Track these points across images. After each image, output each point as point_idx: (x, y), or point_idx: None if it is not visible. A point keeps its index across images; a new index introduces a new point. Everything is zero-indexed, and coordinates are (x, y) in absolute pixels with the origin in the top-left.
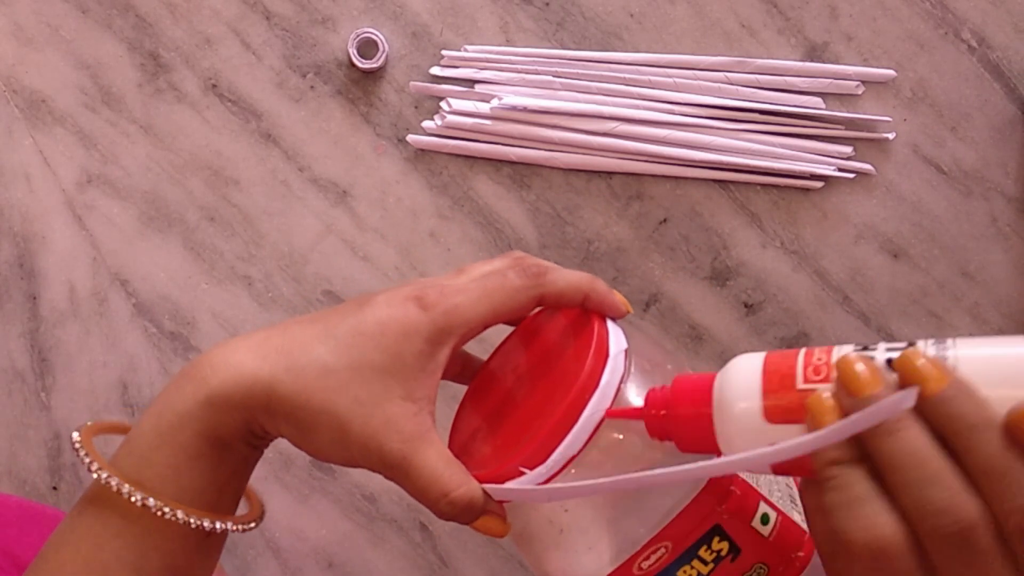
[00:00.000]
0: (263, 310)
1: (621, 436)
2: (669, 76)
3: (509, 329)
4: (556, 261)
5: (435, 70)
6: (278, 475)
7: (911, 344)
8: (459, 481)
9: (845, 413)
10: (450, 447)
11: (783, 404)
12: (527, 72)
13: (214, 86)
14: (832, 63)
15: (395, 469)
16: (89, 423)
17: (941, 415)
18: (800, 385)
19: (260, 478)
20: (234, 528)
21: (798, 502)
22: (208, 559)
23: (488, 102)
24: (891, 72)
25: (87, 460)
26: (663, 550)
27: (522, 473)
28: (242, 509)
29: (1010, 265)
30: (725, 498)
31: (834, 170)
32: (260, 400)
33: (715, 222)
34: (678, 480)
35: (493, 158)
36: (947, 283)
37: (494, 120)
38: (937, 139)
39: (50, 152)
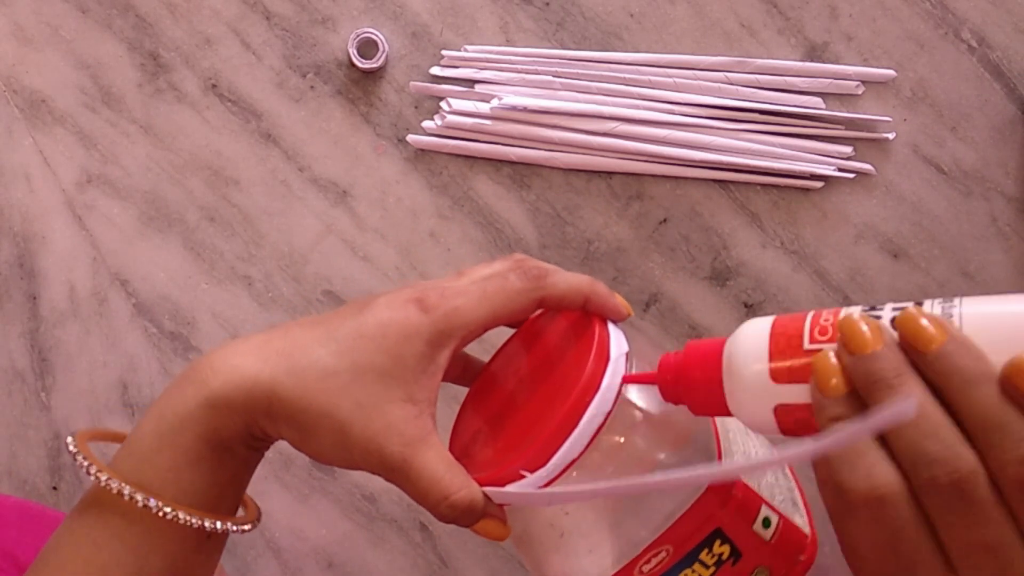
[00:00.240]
0: (263, 310)
1: (622, 439)
2: (669, 76)
3: (510, 331)
4: (556, 261)
5: (435, 70)
6: (278, 475)
7: (918, 304)
8: (460, 484)
9: (847, 372)
10: (451, 449)
11: (790, 365)
12: (527, 72)
13: (214, 86)
14: (832, 63)
15: (396, 472)
16: (82, 429)
17: (939, 370)
18: (806, 346)
19: (260, 478)
20: (234, 528)
21: (800, 505)
22: (208, 560)
23: (488, 102)
24: (891, 72)
25: (85, 464)
26: (664, 553)
27: (523, 476)
28: (238, 513)
29: (1010, 265)
30: (726, 502)
31: (834, 170)
32: (261, 403)
33: (715, 222)
34: (679, 485)
35: (493, 158)
36: (947, 283)
37: (494, 120)
38: (937, 139)
39: (50, 152)
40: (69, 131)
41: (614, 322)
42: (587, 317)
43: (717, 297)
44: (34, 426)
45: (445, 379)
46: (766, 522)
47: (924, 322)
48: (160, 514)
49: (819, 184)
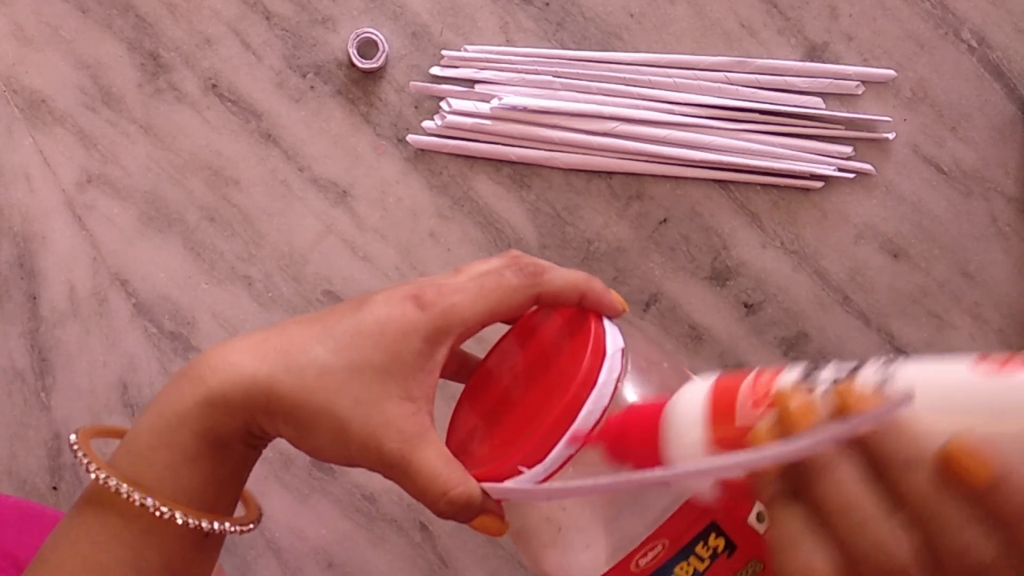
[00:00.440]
0: (263, 310)
1: None
2: (669, 76)
3: (506, 327)
4: (556, 261)
5: (435, 70)
6: (278, 475)
7: (856, 368)
8: (457, 480)
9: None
10: (448, 445)
11: (727, 436)
12: (527, 72)
13: (214, 86)
14: (832, 63)
15: (394, 468)
16: (86, 426)
17: (874, 452)
18: (740, 422)
19: (260, 478)
20: (232, 529)
21: None
22: (207, 559)
23: (488, 102)
24: (891, 72)
25: (85, 460)
26: (660, 547)
27: (520, 472)
28: (239, 512)
29: (1010, 265)
30: (721, 496)
31: (834, 170)
32: (259, 400)
33: (715, 222)
34: (676, 481)
35: (493, 158)
36: (947, 283)
37: (494, 120)
38: (937, 139)
39: (50, 152)
40: (69, 131)
41: (610, 318)
42: (583, 313)
43: (717, 297)
44: (34, 426)
45: (442, 376)
46: (760, 516)
47: (859, 400)
48: (158, 513)
49: (819, 184)
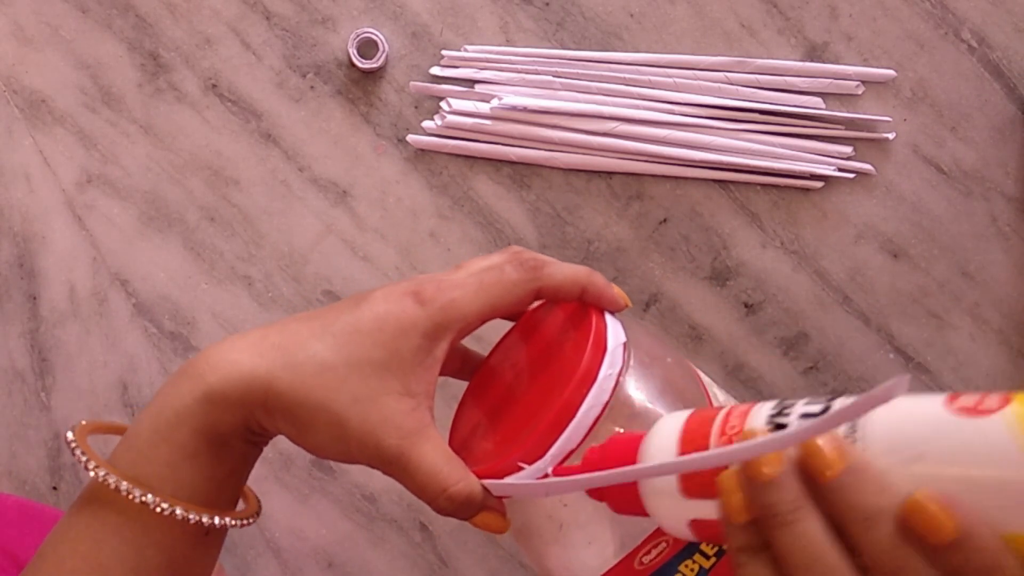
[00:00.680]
0: (263, 310)
1: (620, 429)
2: (669, 76)
3: (509, 324)
4: None
5: (435, 70)
6: (278, 475)
7: (826, 408)
8: (458, 476)
9: (747, 497)
10: (451, 442)
11: (697, 480)
12: (527, 72)
13: (214, 86)
14: (832, 63)
15: (393, 465)
16: (83, 422)
17: (836, 504)
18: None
19: (260, 477)
20: (232, 523)
21: None
22: (207, 556)
23: (488, 102)
24: (891, 72)
25: (84, 459)
26: (664, 544)
27: (521, 468)
28: (239, 506)
29: (1010, 265)
30: None
31: (834, 170)
32: (258, 397)
33: (715, 222)
34: (677, 472)
35: (493, 158)
36: (947, 283)
37: (494, 120)
38: (937, 139)
39: (50, 152)
40: (69, 131)
41: (612, 313)
42: (585, 308)
43: (717, 297)
44: (34, 426)
45: (444, 373)
46: None
47: (822, 448)
48: (158, 510)
49: (819, 184)
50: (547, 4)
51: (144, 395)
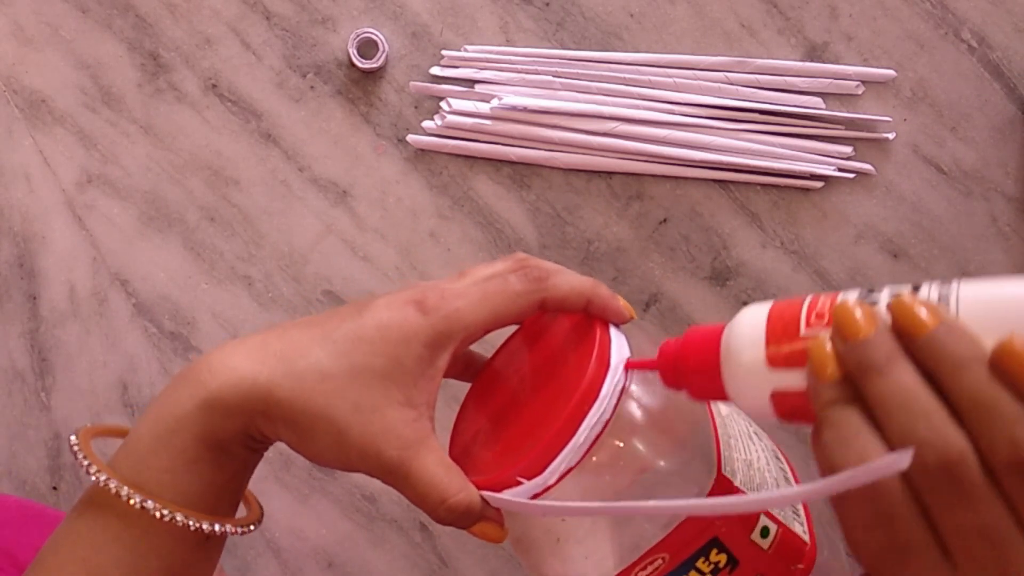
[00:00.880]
0: (263, 310)
1: (622, 444)
2: (669, 76)
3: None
4: (556, 261)
5: (435, 70)
6: (278, 475)
7: (916, 288)
8: (457, 487)
9: (840, 358)
10: (452, 447)
11: (785, 351)
12: (527, 72)
13: (214, 86)
14: (832, 63)
15: (393, 475)
16: (87, 425)
17: (930, 354)
18: (803, 332)
19: (260, 478)
20: (232, 531)
21: (801, 512)
22: (207, 562)
23: (488, 102)
24: (891, 72)
25: (85, 463)
26: (660, 561)
27: (520, 482)
28: (240, 512)
29: (1010, 265)
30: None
31: (834, 170)
32: (258, 405)
33: (715, 222)
34: (670, 512)
35: (493, 158)
36: None
37: (494, 120)
38: (937, 139)
39: (50, 152)
40: (69, 131)
41: (616, 325)
42: (589, 319)
43: (717, 297)
44: (34, 426)
45: (447, 376)
46: (764, 531)
47: (916, 308)
48: (158, 515)
49: (819, 184)
50: (547, 4)
51: (144, 395)
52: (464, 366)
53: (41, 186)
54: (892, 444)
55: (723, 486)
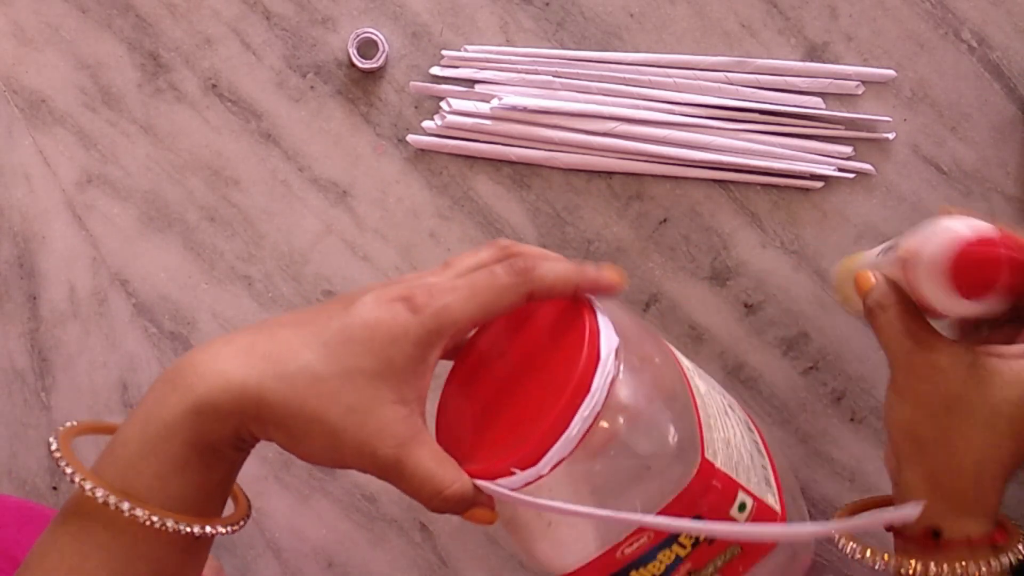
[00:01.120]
0: (263, 310)
1: (612, 431)
2: (669, 76)
3: None
4: None
5: (435, 70)
6: (278, 475)
7: None
8: (452, 479)
9: None
10: (438, 431)
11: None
12: (527, 72)
13: (214, 86)
14: (832, 63)
15: (389, 471)
16: (68, 424)
17: None
18: None
19: (260, 478)
20: (223, 530)
21: (772, 483)
22: (195, 561)
23: (488, 102)
24: (891, 72)
25: (69, 471)
26: (645, 538)
27: (513, 473)
28: (229, 508)
29: None
30: (706, 493)
31: (834, 170)
32: (249, 409)
33: (715, 222)
34: (658, 527)
35: (493, 158)
36: None
37: (494, 120)
38: (937, 139)
39: (50, 152)
40: (69, 131)
41: (609, 295)
42: (576, 305)
43: (717, 297)
44: (34, 426)
45: None
46: (741, 506)
47: None
48: (148, 523)
49: (819, 184)
50: (547, 4)
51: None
52: (448, 348)
53: (41, 186)
54: None
55: (705, 470)
